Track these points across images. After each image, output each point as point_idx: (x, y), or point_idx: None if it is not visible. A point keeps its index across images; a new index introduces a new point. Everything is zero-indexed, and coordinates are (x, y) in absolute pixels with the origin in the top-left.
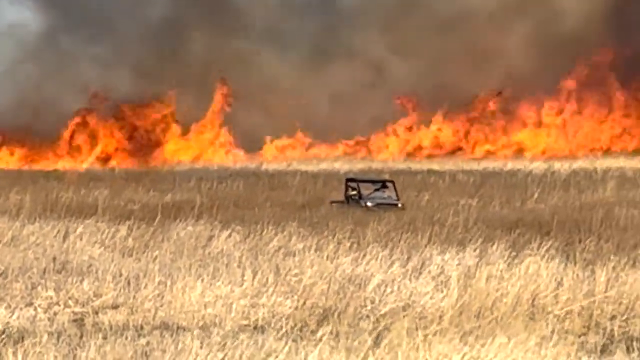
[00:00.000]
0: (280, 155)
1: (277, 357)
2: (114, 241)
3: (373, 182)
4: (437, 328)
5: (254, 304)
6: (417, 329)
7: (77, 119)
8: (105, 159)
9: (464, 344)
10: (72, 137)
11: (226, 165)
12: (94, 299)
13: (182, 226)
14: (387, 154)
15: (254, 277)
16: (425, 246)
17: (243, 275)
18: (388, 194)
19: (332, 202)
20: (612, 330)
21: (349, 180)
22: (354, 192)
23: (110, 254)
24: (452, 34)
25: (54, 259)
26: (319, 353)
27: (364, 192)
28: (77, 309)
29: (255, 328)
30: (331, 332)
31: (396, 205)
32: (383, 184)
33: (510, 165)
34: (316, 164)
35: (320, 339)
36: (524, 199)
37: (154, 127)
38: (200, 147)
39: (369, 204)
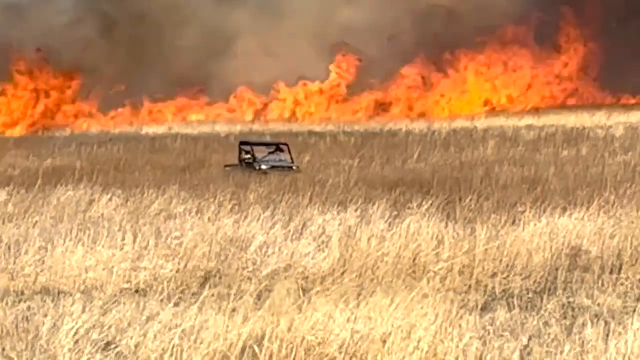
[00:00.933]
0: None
1: (159, 320)
2: None
3: (267, 145)
4: (319, 288)
5: (136, 267)
6: (299, 290)
7: None
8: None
9: (346, 304)
10: None
11: (106, 130)
12: None
13: (63, 191)
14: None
15: (134, 241)
16: (307, 207)
17: (124, 239)
18: (283, 157)
19: (226, 166)
20: (493, 287)
21: (242, 143)
22: (248, 156)
23: None
24: None
25: None
26: (201, 315)
27: (258, 155)
28: None
29: (137, 291)
30: (213, 295)
31: (291, 168)
32: (277, 147)
33: (391, 125)
34: (196, 126)
35: (203, 302)
36: (404, 158)
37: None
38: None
39: (263, 167)
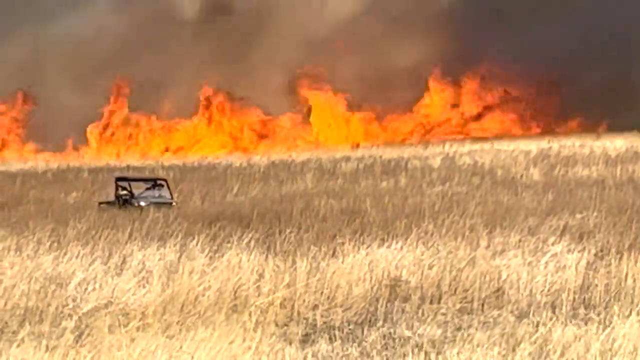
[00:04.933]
0: None
1: None
2: None
3: (145, 180)
4: (140, 324)
5: None
6: (119, 326)
7: None
8: None
9: (168, 339)
10: None
11: None
12: None
13: None
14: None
15: None
16: (126, 243)
17: None
18: (162, 192)
19: (100, 203)
20: (314, 319)
21: (119, 179)
22: (125, 192)
23: None
24: None
25: None
26: (20, 353)
27: (136, 191)
28: None
29: None
30: (33, 332)
31: (171, 204)
32: (155, 183)
33: (210, 159)
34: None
35: (23, 340)
36: (224, 192)
37: None
38: None
39: (142, 203)
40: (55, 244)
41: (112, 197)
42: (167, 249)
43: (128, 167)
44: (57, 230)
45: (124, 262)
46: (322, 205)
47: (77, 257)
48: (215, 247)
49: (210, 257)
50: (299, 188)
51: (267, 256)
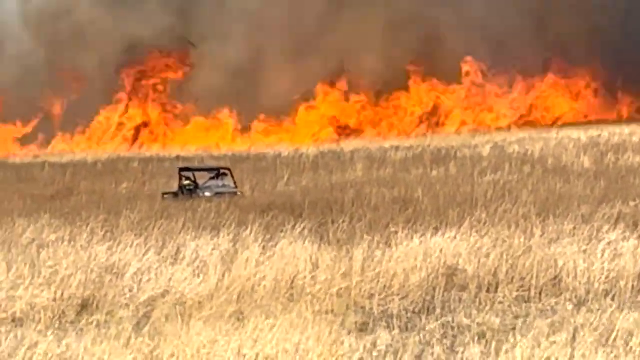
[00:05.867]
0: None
1: (40, 348)
2: None
3: (208, 169)
4: (197, 313)
5: (11, 296)
6: (177, 315)
7: None
8: None
9: (226, 328)
10: None
11: None
12: None
13: None
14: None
15: (8, 270)
16: (179, 232)
17: None
18: (226, 181)
19: (164, 193)
20: (371, 308)
21: (182, 169)
22: (188, 182)
23: None
24: None
25: None
26: (81, 343)
27: (200, 181)
28: None
29: (13, 321)
30: (91, 322)
31: (235, 193)
32: (219, 172)
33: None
34: (60, 155)
35: (81, 329)
36: (274, 181)
37: None
38: None
39: (207, 193)
40: (109, 234)
41: (175, 188)
42: (221, 238)
43: (178, 157)
44: (110, 221)
45: (177, 251)
46: (374, 194)
47: (130, 246)
48: (268, 237)
49: (264, 247)
50: (349, 177)
51: (320, 245)
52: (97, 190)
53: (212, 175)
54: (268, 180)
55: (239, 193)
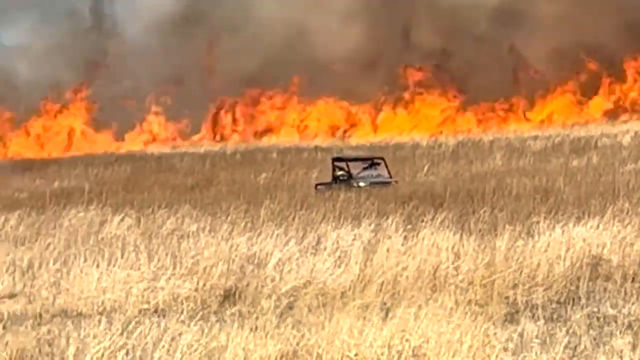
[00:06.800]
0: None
1: (185, 339)
2: (5, 231)
3: (362, 160)
4: (340, 304)
5: (153, 287)
6: (320, 306)
7: None
8: None
9: (369, 319)
10: None
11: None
12: None
13: (74, 213)
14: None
15: (150, 261)
16: (320, 222)
17: (139, 259)
18: (380, 171)
19: (317, 184)
20: (515, 299)
21: (336, 159)
22: (342, 172)
23: (2, 243)
24: None
25: None
26: (225, 333)
27: (354, 171)
28: None
29: (156, 312)
30: (234, 313)
31: (389, 183)
32: (372, 162)
33: (396, 139)
34: (200, 145)
35: (225, 320)
36: (414, 172)
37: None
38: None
39: (361, 184)
40: (249, 225)
41: (328, 179)
42: (362, 228)
43: (316, 148)
44: (250, 211)
45: (318, 242)
46: (515, 184)
47: (271, 237)
48: (409, 227)
49: (405, 237)
50: (489, 167)
51: (462, 236)
52: (237, 180)
53: (365, 165)
54: (408, 171)
55: (394, 183)
